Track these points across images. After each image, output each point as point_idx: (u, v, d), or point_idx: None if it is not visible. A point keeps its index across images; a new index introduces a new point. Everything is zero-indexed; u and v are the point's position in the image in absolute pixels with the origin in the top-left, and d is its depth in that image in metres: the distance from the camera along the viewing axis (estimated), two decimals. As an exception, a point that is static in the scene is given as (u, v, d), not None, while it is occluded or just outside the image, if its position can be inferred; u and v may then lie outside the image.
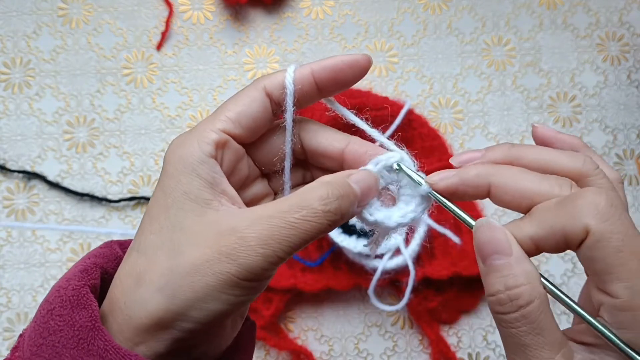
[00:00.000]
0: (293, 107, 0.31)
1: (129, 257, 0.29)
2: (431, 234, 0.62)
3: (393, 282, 0.62)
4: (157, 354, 0.28)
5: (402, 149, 0.33)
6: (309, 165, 0.35)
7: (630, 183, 0.67)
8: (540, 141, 0.33)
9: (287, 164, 0.33)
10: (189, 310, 0.27)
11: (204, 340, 0.29)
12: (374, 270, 0.60)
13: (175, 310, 0.27)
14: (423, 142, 0.65)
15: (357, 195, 0.29)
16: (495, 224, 0.29)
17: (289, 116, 0.32)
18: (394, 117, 0.64)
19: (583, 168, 0.29)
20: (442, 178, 0.31)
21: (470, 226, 0.30)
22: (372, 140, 0.34)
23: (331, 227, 0.28)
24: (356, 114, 0.34)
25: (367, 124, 0.34)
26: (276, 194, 0.35)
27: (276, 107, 0.31)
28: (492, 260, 0.28)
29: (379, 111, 0.64)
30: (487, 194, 0.30)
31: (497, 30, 0.70)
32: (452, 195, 0.31)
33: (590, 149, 0.33)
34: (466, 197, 0.31)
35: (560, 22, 0.70)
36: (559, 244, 0.28)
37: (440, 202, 0.31)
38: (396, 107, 0.65)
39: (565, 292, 0.28)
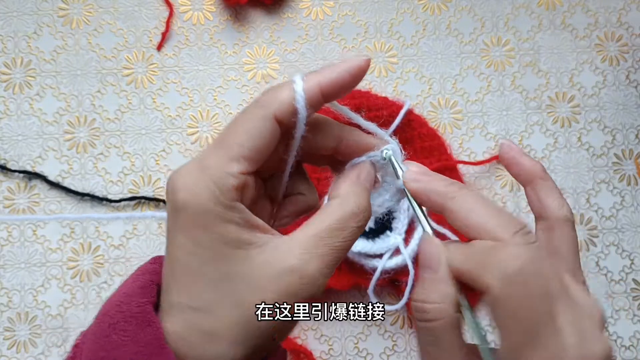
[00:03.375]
0: (304, 126, 0.30)
1: (184, 314, 0.28)
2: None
3: (392, 281, 0.62)
4: None
5: (394, 140, 0.34)
6: (316, 160, 0.34)
7: (629, 183, 0.67)
8: (503, 160, 0.34)
9: (286, 176, 0.33)
10: (262, 351, 0.28)
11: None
12: (374, 269, 0.61)
13: (251, 355, 0.28)
14: (422, 142, 0.65)
15: (369, 193, 0.31)
16: (436, 241, 0.31)
17: (298, 133, 0.30)
18: (394, 117, 0.64)
19: (505, 234, 0.29)
20: (414, 179, 0.32)
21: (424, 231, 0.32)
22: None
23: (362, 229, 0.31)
24: (351, 110, 0.34)
25: (363, 118, 0.34)
26: (266, 190, 0.34)
27: (285, 129, 0.30)
28: (422, 272, 0.30)
29: (378, 111, 0.64)
30: (442, 213, 0.31)
31: (496, 31, 0.70)
32: (415, 198, 0.32)
33: (547, 179, 0.33)
34: (426, 206, 0.32)
35: (559, 22, 0.70)
36: (473, 286, 0.29)
37: (409, 200, 0.32)
38: (395, 107, 0.65)
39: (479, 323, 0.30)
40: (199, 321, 0.27)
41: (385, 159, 0.33)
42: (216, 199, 0.27)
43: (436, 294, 0.29)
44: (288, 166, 0.32)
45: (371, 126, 0.33)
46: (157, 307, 0.29)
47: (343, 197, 0.30)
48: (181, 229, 0.28)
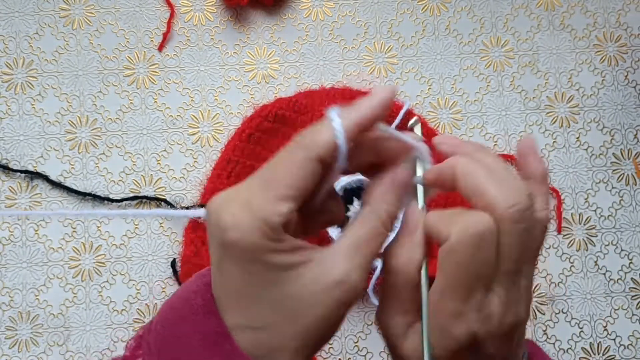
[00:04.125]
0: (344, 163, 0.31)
1: (245, 334, 0.30)
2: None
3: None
4: None
5: (422, 143, 0.34)
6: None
7: (627, 183, 0.68)
8: (517, 152, 0.35)
9: (319, 198, 0.33)
10: (311, 340, 0.30)
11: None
12: (374, 269, 0.61)
13: (307, 350, 0.30)
14: (422, 142, 0.66)
15: (401, 198, 0.33)
16: (419, 209, 0.33)
17: (339, 168, 0.31)
18: (393, 117, 0.65)
19: (500, 207, 0.30)
20: (441, 142, 0.35)
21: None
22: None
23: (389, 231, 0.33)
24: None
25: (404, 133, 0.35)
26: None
27: (326, 167, 0.31)
28: (401, 233, 0.33)
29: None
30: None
31: (496, 31, 0.70)
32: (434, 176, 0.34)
33: (543, 183, 0.34)
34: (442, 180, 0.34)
35: (558, 23, 0.70)
36: (437, 240, 0.32)
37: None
38: (395, 107, 0.66)
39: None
40: (262, 338, 0.29)
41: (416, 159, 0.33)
42: (266, 236, 0.28)
43: (406, 255, 0.33)
44: (322, 191, 0.33)
45: (402, 136, 0.33)
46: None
47: (373, 205, 0.32)
48: (232, 261, 0.29)
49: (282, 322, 0.29)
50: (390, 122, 0.65)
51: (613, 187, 0.67)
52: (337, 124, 0.30)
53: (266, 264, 0.28)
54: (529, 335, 0.65)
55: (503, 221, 0.29)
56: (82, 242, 0.65)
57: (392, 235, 0.34)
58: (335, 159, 0.30)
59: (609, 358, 0.64)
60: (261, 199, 0.29)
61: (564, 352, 0.64)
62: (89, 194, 0.65)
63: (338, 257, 0.30)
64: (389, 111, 0.32)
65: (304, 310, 0.29)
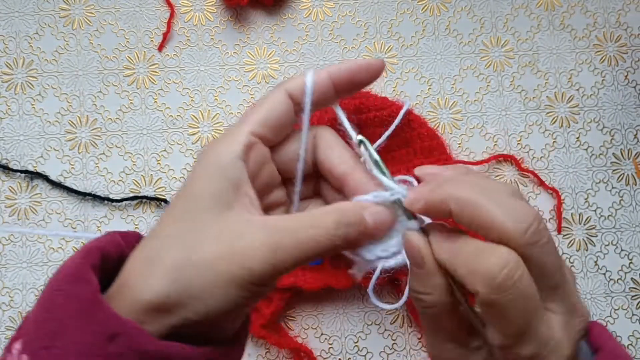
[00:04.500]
0: (311, 106, 0.33)
1: (146, 242, 0.31)
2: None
3: (392, 280, 0.63)
4: (156, 334, 0.29)
5: (403, 186, 0.33)
6: (319, 175, 0.36)
7: (627, 183, 0.68)
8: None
9: (300, 165, 0.34)
10: (192, 301, 0.28)
11: (204, 332, 0.30)
12: (374, 269, 0.61)
13: (179, 298, 0.28)
14: (422, 142, 0.66)
15: (368, 227, 0.31)
16: (416, 237, 0.31)
17: (306, 115, 0.33)
18: (393, 117, 0.65)
19: (516, 234, 0.29)
20: (414, 199, 0.32)
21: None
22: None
23: (336, 251, 0.31)
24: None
25: (354, 122, 0.35)
26: (292, 203, 0.36)
27: (297, 107, 0.33)
28: (411, 266, 0.32)
29: (378, 112, 0.65)
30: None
31: (496, 31, 0.70)
32: (427, 214, 0.32)
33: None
34: (439, 216, 0.32)
35: (558, 23, 0.70)
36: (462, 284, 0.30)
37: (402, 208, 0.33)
38: (395, 107, 0.66)
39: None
40: (152, 248, 0.30)
41: (396, 203, 0.32)
42: (223, 154, 0.31)
43: (425, 286, 0.31)
44: (301, 159, 0.34)
45: (384, 179, 0.33)
46: (98, 267, 0.31)
47: (334, 206, 0.31)
48: (189, 179, 0.31)
49: (178, 241, 0.29)
50: (389, 123, 0.65)
51: (613, 187, 0.67)
52: (310, 72, 0.33)
53: (211, 188, 0.30)
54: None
55: (524, 248, 0.28)
56: (82, 243, 0.65)
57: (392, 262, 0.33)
58: (301, 98, 0.33)
59: (609, 358, 0.64)
60: (233, 128, 0.32)
61: None
62: (89, 194, 0.65)
63: (263, 224, 0.30)
64: (369, 77, 0.33)
65: (201, 241, 0.29)
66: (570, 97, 0.69)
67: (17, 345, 0.29)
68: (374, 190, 0.33)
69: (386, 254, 0.33)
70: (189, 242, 0.29)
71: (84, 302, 0.28)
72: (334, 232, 0.30)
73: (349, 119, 0.35)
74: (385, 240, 0.33)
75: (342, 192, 0.34)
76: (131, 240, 0.33)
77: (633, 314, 0.65)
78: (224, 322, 0.31)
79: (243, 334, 0.34)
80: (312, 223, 0.30)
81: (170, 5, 0.69)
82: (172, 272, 0.28)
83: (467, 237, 0.30)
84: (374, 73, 0.34)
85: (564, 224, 0.66)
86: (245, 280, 0.28)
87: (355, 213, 0.31)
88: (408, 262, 0.32)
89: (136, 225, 0.65)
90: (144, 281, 0.29)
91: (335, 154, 0.34)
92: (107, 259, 0.31)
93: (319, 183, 0.37)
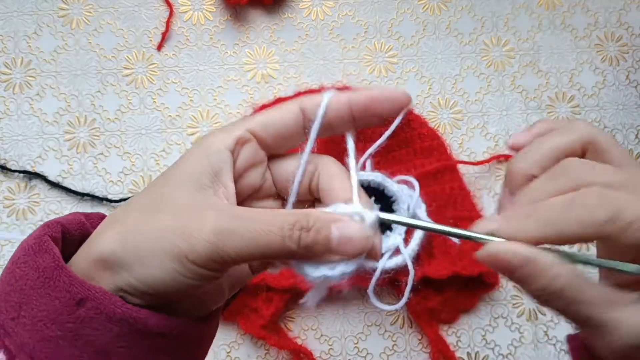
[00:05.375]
0: (321, 125, 0.32)
1: (115, 210, 0.31)
2: (430, 234, 0.62)
3: (392, 281, 0.63)
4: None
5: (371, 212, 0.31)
6: (315, 199, 0.35)
7: (628, 183, 0.67)
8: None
9: (297, 178, 0.33)
10: (134, 264, 0.28)
11: (158, 304, 0.30)
12: (374, 270, 0.61)
13: (122, 256, 0.28)
14: (422, 142, 0.65)
15: (329, 240, 0.28)
16: (500, 252, 0.29)
17: (313, 131, 0.32)
18: (393, 117, 0.64)
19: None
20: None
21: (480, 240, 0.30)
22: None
23: (290, 255, 0.28)
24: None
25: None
26: None
27: (308, 124, 0.32)
28: (520, 277, 0.29)
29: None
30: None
31: (496, 31, 0.70)
32: None
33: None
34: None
35: (559, 22, 0.70)
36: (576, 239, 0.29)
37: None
38: (396, 107, 0.65)
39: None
40: (116, 213, 0.30)
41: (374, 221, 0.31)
42: (213, 140, 0.31)
43: (546, 277, 0.29)
44: (300, 171, 0.33)
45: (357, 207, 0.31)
46: (60, 240, 0.31)
47: (303, 210, 0.29)
48: (176, 161, 0.32)
49: (140, 208, 0.30)
50: (389, 123, 0.64)
51: (614, 188, 0.67)
52: (329, 92, 0.32)
53: (189, 168, 0.30)
54: (527, 336, 0.64)
55: (625, 231, 0.28)
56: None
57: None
58: (314, 116, 0.32)
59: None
60: (236, 121, 0.32)
61: (565, 352, 0.64)
62: (88, 195, 0.65)
63: (221, 207, 0.29)
64: (392, 109, 0.32)
65: (161, 212, 0.29)
66: (571, 97, 0.69)
67: None
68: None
69: (332, 273, 0.30)
70: (149, 210, 0.29)
71: (47, 269, 0.28)
72: (288, 234, 0.28)
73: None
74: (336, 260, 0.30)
75: None
76: (95, 220, 0.33)
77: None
78: (179, 303, 0.31)
79: (214, 314, 0.34)
80: (270, 219, 0.28)
81: (169, 4, 0.69)
82: (124, 232, 0.29)
83: (535, 204, 0.30)
84: (398, 105, 0.32)
85: (565, 225, 0.66)
86: (184, 256, 0.27)
87: (322, 222, 0.28)
88: (410, 266, 0.31)
89: (135, 225, 0.65)
90: (98, 237, 0.29)
91: (337, 184, 0.32)
92: (69, 234, 0.31)
93: (314, 206, 0.35)
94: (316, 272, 0.29)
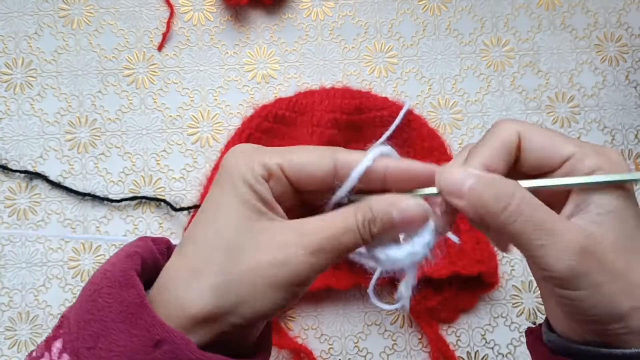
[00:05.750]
0: (352, 189, 0.33)
1: (184, 249, 0.31)
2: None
3: (392, 281, 0.63)
4: (201, 343, 0.30)
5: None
6: None
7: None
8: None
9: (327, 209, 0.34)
10: (238, 307, 0.29)
11: (243, 336, 0.32)
12: (374, 269, 0.61)
13: (227, 307, 0.29)
14: (422, 142, 0.66)
15: (394, 222, 0.31)
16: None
17: (341, 193, 0.33)
18: (394, 117, 0.65)
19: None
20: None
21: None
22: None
23: (366, 243, 0.31)
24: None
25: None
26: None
27: (337, 179, 0.33)
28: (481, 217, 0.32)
29: (379, 111, 0.64)
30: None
31: (496, 31, 0.70)
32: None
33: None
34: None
35: (559, 23, 0.70)
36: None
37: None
38: (395, 107, 0.65)
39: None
40: (192, 257, 0.31)
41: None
42: (249, 165, 0.31)
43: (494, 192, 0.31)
44: (328, 206, 0.34)
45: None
46: (139, 273, 0.31)
47: (364, 202, 0.31)
48: (218, 183, 0.32)
49: (219, 251, 0.30)
50: (389, 123, 0.65)
51: (614, 188, 0.67)
52: (369, 156, 0.32)
53: (243, 196, 0.31)
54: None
55: None
56: (81, 243, 0.65)
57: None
58: (345, 177, 0.32)
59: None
60: (270, 150, 0.33)
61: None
62: (89, 194, 0.65)
63: (300, 229, 0.31)
64: (430, 184, 0.33)
65: (242, 249, 0.30)
66: (571, 97, 0.69)
67: (58, 344, 0.29)
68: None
69: (415, 248, 0.32)
70: (230, 251, 0.30)
71: (131, 306, 0.28)
72: (362, 230, 0.31)
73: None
74: (411, 242, 0.32)
75: None
76: (161, 245, 0.34)
77: None
78: (261, 324, 0.33)
79: (267, 341, 0.36)
80: (342, 222, 0.31)
81: (169, 5, 0.69)
82: (218, 284, 0.29)
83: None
84: (433, 183, 0.33)
85: (564, 225, 0.66)
86: (288, 282, 0.30)
87: (383, 210, 0.31)
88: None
89: (135, 225, 0.65)
90: (189, 295, 0.30)
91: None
92: (145, 265, 0.32)
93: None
94: (398, 253, 0.32)
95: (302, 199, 0.34)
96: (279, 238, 0.30)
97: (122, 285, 0.29)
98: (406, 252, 0.32)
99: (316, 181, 0.33)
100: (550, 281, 0.31)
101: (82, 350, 0.28)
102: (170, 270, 0.31)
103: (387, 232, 0.31)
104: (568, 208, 0.32)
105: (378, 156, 0.32)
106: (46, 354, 0.29)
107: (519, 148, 0.33)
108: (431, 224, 0.32)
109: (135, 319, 0.28)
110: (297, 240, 0.30)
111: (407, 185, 0.33)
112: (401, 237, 0.33)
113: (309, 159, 0.32)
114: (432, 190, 0.32)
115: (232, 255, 0.30)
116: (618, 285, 0.30)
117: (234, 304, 0.29)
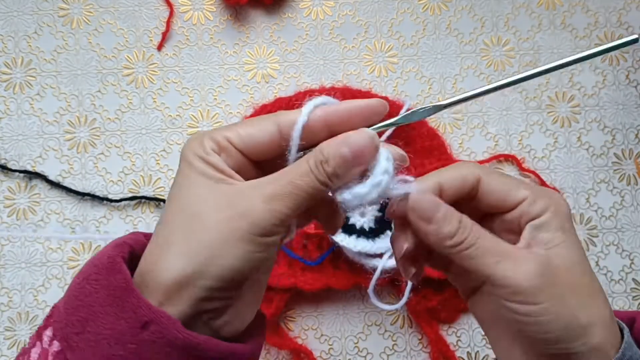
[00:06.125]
0: (299, 143, 0.33)
1: (156, 231, 0.32)
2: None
3: (392, 281, 0.63)
4: (182, 314, 0.30)
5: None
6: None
7: (629, 183, 0.67)
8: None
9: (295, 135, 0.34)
10: (208, 267, 0.30)
11: (225, 304, 0.32)
12: (374, 269, 0.61)
13: (196, 269, 0.30)
14: (422, 142, 0.65)
15: (346, 158, 0.32)
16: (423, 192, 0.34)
17: (292, 153, 0.33)
18: (394, 117, 0.64)
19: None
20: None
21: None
22: None
23: (326, 186, 0.32)
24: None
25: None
26: None
27: (284, 141, 0.34)
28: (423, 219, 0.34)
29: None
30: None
31: (496, 31, 0.70)
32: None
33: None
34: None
35: (559, 22, 0.70)
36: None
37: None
38: (396, 107, 0.65)
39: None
40: (161, 233, 0.32)
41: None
42: (201, 144, 0.32)
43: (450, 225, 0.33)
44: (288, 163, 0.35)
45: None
46: (127, 261, 0.32)
47: (315, 149, 0.32)
48: (178, 168, 0.33)
49: (182, 218, 0.31)
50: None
51: (614, 187, 0.67)
52: (305, 109, 0.33)
53: (199, 169, 0.32)
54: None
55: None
56: (81, 243, 0.65)
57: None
58: (289, 134, 0.33)
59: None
60: (217, 129, 0.34)
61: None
62: (88, 194, 0.65)
63: (255, 182, 0.32)
64: (371, 119, 0.34)
65: (202, 212, 0.31)
66: (571, 96, 0.69)
67: (48, 332, 0.30)
68: None
69: (378, 179, 0.33)
70: (192, 216, 0.31)
71: (117, 289, 0.29)
72: (316, 172, 0.31)
73: None
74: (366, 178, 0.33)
75: None
76: None
77: (634, 315, 0.65)
78: (242, 292, 0.32)
79: (261, 330, 0.36)
80: (297, 169, 0.32)
81: (169, 4, 0.69)
82: (184, 249, 0.30)
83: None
84: (374, 114, 0.34)
85: (565, 224, 0.66)
86: (251, 233, 0.30)
87: (333, 149, 0.32)
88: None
89: (135, 225, 0.65)
90: (161, 264, 0.30)
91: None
92: (134, 255, 0.33)
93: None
94: (364, 189, 0.33)
95: (265, 173, 0.35)
96: (237, 195, 0.31)
97: (108, 270, 0.30)
98: (369, 185, 0.33)
99: (265, 147, 0.33)
100: (512, 299, 0.32)
101: (71, 335, 0.29)
102: (147, 254, 0.32)
103: (345, 171, 0.32)
104: (520, 244, 0.34)
105: (312, 109, 0.33)
106: (37, 343, 0.30)
107: (475, 188, 0.35)
108: (384, 152, 0.33)
109: (122, 302, 0.29)
110: (254, 192, 0.31)
111: (353, 126, 0.33)
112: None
113: (253, 128, 0.33)
114: (381, 124, 0.34)
115: (195, 221, 0.30)
116: (576, 299, 0.32)
117: (202, 265, 0.30)
